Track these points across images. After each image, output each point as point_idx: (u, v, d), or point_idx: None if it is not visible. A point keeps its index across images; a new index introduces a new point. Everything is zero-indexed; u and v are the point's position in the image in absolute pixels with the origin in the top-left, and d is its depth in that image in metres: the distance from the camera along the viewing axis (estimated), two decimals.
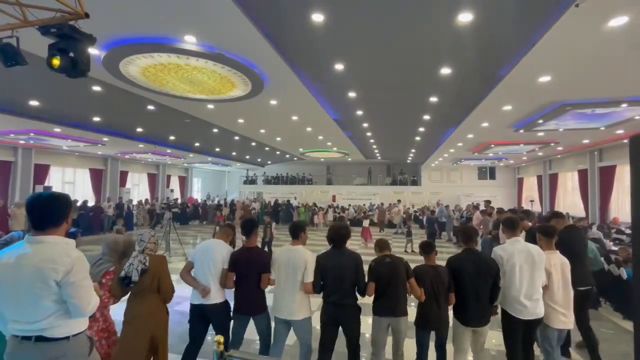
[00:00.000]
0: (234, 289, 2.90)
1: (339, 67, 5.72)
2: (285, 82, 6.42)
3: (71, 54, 2.63)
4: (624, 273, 5.02)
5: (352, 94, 7.30)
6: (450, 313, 2.93)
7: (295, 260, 2.76)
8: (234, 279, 2.88)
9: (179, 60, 5.39)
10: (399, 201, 17.66)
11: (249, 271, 2.84)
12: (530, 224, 4.87)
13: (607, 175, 12.43)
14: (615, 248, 6.81)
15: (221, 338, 1.34)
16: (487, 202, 9.57)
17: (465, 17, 4.04)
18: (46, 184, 14.32)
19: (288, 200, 18.93)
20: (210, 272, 2.81)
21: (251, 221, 3.11)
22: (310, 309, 2.85)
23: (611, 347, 4.00)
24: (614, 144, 11.59)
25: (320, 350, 2.81)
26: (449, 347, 2.95)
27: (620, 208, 12.10)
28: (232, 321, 2.94)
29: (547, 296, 2.86)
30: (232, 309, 2.94)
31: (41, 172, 14.20)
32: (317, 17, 4.13)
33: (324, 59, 5.51)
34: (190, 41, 4.77)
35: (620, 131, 9.75)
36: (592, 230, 7.99)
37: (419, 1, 3.79)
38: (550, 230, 3.02)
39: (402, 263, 2.87)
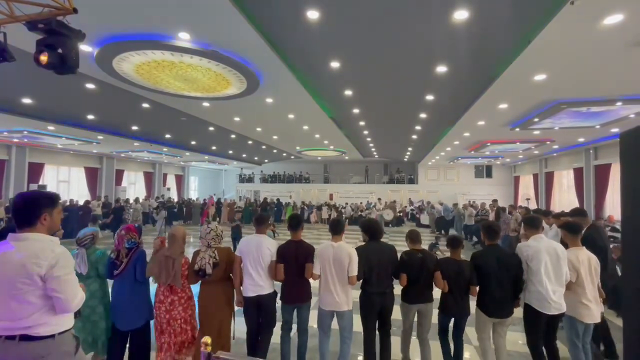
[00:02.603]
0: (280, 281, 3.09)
1: (335, 64, 5.69)
2: (280, 80, 6.38)
3: (59, 50, 2.58)
4: (618, 271, 5.04)
5: (348, 92, 7.27)
6: (472, 303, 3.10)
7: (341, 255, 2.93)
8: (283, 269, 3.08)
9: (172, 58, 5.34)
10: (380, 199, 17.69)
11: (296, 263, 3.04)
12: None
13: (603, 174, 12.50)
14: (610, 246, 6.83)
15: (208, 339, 1.32)
16: (494, 201, 10.68)
17: (460, 15, 4.02)
18: (40, 182, 14.20)
19: (278, 199, 18.92)
20: (261, 265, 3.00)
21: (297, 217, 3.31)
22: (352, 300, 3.03)
23: None
24: (609, 142, 11.66)
25: (365, 334, 3.08)
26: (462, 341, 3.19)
27: (615, 206, 12.19)
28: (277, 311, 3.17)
29: (577, 292, 2.91)
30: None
31: (35, 170, 14.08)
32: (312, 15, 4.10)
33: (320, 57, 5.48)
34: (184, 38, 4.72)
35: (615, 130, 9.80)
36: None
37: None
38: (577, 227, 3.09)
39: (432, 258, 3.12)
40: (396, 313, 3.36)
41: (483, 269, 2.95)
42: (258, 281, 2.97)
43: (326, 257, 2.96)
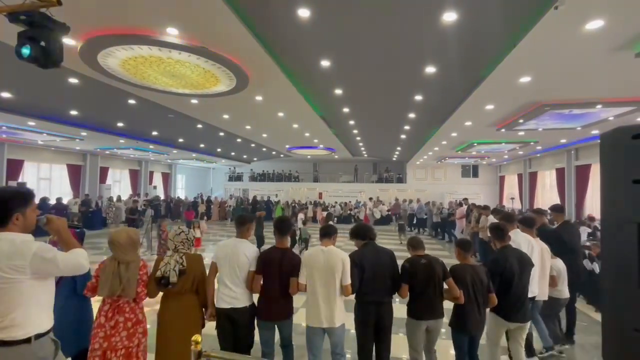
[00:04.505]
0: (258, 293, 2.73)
1: (325, 63, 5.69)
2: (270, 78, 6.34)
3: (42, 43, 2.50)
4: (596, 267, 5.24)
5: (338, 91, 7.29)
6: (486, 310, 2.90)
7: (332, 262, 2.57)
8: (261, 281, 2.69)
9: (160, 53, 5.24)
10: (371, 198, 17.99)
11: (279, 275, 2.65)
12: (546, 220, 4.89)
13: (583, 174, 12.94)
14: (588, 243, 7.09)
15: (198, 337, 1.31)
16: (465, 200, 11.03)
17: (449, 17, 4.09)
18: (20, 180, 13.72)
19: (268, 197, 18.94)
20: (237, 273, 2.63)
21: (287, 220, 2.98)
22: (345, 313, 2.67)
23: (584, 338, 4.17)
24: (589, 143, 12.06)
25: (360, 349, 2.72)
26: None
27: (594, 205, 12.63)
28: (255, 328, 2.76)
29: None
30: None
31: (14, 167, 13.58)
32: (304, 13, 4.09)
33: (310, 55, 5.47)
34: (172, 34, 4.64)
35: (595, 131, 10.13)
36: None
37: None
38: (531, 221, 3.59)
39: (439, 263, 2.79)
40: (397, 312, 3.01)
41: (506, 273, 2.77)
42: (233, 291, 2.60)
43: (315, 264, 2.59)
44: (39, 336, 1.56)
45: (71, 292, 2.39)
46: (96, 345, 2.18)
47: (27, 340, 1.51)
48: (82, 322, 2.42)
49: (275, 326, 2.74)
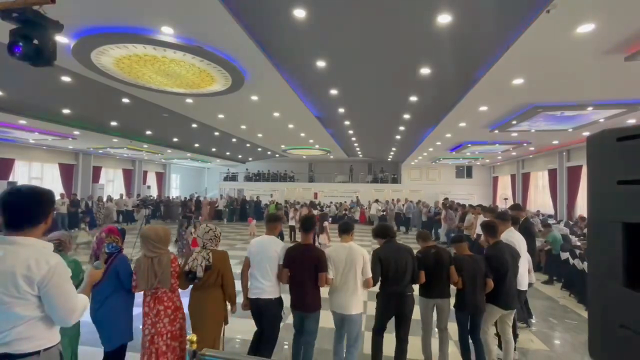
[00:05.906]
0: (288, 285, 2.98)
1: (321, 64, 5.71)
2: (266, 78, 6.34)
3: (35, 41, 2.48)
4: (587, 267, 5.32)
5: (333, 92, 7.31)
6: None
7: (354, 257, 2.87)
8: (289, 274, 2.94)
9: (155, 52, 5.21)
10: (377, 200, 18.01)
11: (304, 268, 2.87)
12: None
13: (575, 175, 13.12)
14: (579, 243, 7.20)
15: (194, 337, 1.31)
16: (446, 200, 11.95)
17: (444, 19, 4.13)
18: (10, 179, 13.52)
19: (257, 197, 19.00)
20: (267, 269, 2.89)
21: (311, 219, 3.17)
22: (362, 303, 2.96)
23: (575, 337, 4.25)
24: (581, 145, 12.24)
25: (376, 331, 3.08)
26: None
27: (585, 205, 12.80)
28: (281, 321, 3.00)
29: None
30: (284, 305, 3.02)
31: (5, 166, 13.39)
32: (299, 13, 4.10)
33: (306, 56, 5.48)
34: (167, 32, 4.62)
35: (586, 133, 10.30)
36: (559, 227, 8.42)
37: (400, 1, 3.84)
38: (506, 216, 3.84)
39: (446, 252, 3.24)
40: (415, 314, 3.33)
41: (503, 266, 3.09)
42: (262, 283, 2.86)
43: (339, 258, 2.89)
44: (47, 349, 1.50)
45: (117, 287, 2.50)
46: (146, 332, 2.50)
47: (36, 353, 1.45)
48: (124, 317, 2.56)
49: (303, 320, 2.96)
